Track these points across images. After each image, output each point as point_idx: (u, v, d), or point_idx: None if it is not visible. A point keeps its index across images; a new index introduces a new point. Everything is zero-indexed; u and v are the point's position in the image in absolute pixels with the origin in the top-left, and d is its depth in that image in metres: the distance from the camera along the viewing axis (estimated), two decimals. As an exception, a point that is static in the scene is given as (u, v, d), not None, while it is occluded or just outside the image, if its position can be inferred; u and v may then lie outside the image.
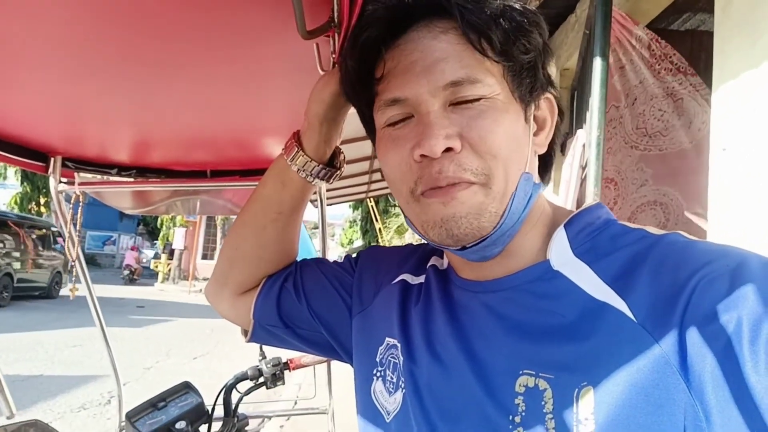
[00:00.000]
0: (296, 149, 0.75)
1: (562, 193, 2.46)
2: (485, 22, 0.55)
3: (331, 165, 0.79)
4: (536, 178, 0.62)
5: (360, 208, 21.26)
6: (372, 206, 15.09)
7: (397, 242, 17.34)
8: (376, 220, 16.09)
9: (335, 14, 0.68)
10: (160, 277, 21.95)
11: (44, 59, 0.89)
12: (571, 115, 2.93)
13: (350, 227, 26.37)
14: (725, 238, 1.66)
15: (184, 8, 0.72)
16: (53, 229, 13.47)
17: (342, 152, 0.81)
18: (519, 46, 0.57)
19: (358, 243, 24.54)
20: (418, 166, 0.57)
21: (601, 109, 1.88)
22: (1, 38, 0.79)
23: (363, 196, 7.25)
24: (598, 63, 1.99)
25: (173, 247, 22.07)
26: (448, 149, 0.55)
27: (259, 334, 0.85)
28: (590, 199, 1.82)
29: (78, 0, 0.69)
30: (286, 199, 0.79)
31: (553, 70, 3.44)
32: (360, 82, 0.63)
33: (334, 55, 0.74)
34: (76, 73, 0.95)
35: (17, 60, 0.88)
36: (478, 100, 0.56)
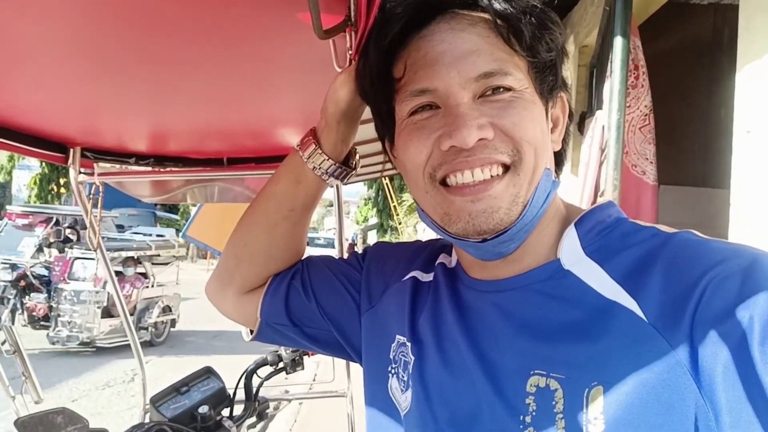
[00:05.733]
0: (313, 147, 0.74)
1: (581, 174, 2.42)
2: (515, 16, 0.55)
3: (347, 164, 0.78)
4: (554, 176, 0.62)
5: (375, 186, 21.26)
6: (387, 184, 15.06)
7: (411, 221, 17.34)
8: (391, 199, 16.07)
9: (352, 13, 0.66)
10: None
11: (63, 57, 0.89)
12: (590, 94, 2.87)
13: (365, 205, 26.42)
14: (748, 219, 1.63)
15: (200, 8, 0.72)
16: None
17: (357, 152, 0.80)
18: (544, 43, 0.57)
19: (374, 221, 24.61)
20: (442, 154, 0.56)
21: (621, 91, 1.82)
22: (21, 38, 0.80)
23: (378, 174, 7.24)
24: (618, 42, 1.93)
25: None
26: (481, 140, 0.54)
27: (265, 332, 0.84)
28: (609, 184, 1.79)
29: (96, 2, 0.69)
30: (299, 196, 0.79)
31: (571, 48, 3.36)
32: (380, 75, 0.62)
33: (350, 52, 0.73)
34: (94, 69, 0.95)
35: (37, 57, 0.88)
36: (508, 90, 0.56)
